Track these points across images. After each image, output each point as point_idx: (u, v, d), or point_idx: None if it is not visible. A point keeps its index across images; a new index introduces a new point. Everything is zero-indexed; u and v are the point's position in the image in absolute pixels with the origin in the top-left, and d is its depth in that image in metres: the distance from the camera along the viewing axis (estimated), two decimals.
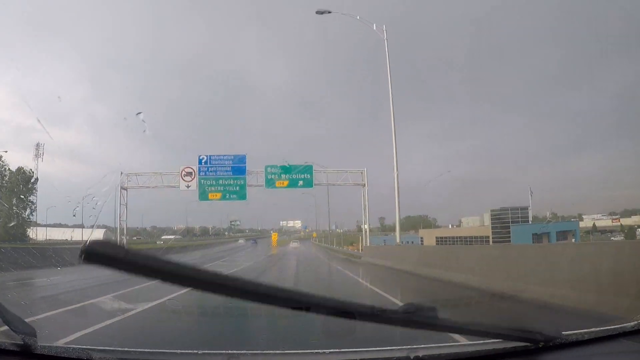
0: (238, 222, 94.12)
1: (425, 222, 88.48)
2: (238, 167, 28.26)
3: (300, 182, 28.71)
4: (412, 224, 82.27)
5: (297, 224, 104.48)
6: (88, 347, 1.86)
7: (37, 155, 36.50)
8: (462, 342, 2.06)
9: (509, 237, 43.92)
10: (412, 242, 50.10)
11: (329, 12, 23.58)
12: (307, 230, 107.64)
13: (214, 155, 28.75)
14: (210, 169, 28.26)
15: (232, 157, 28.57)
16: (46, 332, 3.95)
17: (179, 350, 2.12)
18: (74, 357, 1.71)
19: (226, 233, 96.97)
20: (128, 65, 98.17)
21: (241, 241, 66.84)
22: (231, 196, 28.34)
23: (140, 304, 6.78)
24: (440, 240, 52.96)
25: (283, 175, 28.49)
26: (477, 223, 61.61)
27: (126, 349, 2.01)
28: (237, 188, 28.19)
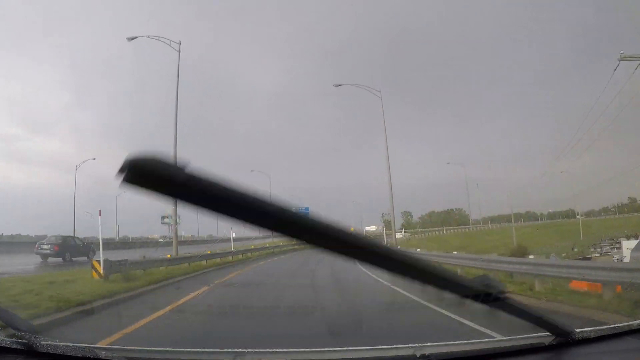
0: (179, 220, 69.05)
1: (461, 217, 75.13)
2: None
3: None
4: (442, 219, 75.10)
5: None
6: (93, 345, 1.86)
7: None
8: (470, 340, 2.03)
9: None
10: None
11: None
12: None
13: None
14: None
15: None
16: None
17: (186, 349, 2.12)
18: (78, 356, 1.70)
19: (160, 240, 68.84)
20: (115, 71, 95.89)
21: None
22: None
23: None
24: None
25: None
26: None
27: (132, 347, 2.00)
28: None
